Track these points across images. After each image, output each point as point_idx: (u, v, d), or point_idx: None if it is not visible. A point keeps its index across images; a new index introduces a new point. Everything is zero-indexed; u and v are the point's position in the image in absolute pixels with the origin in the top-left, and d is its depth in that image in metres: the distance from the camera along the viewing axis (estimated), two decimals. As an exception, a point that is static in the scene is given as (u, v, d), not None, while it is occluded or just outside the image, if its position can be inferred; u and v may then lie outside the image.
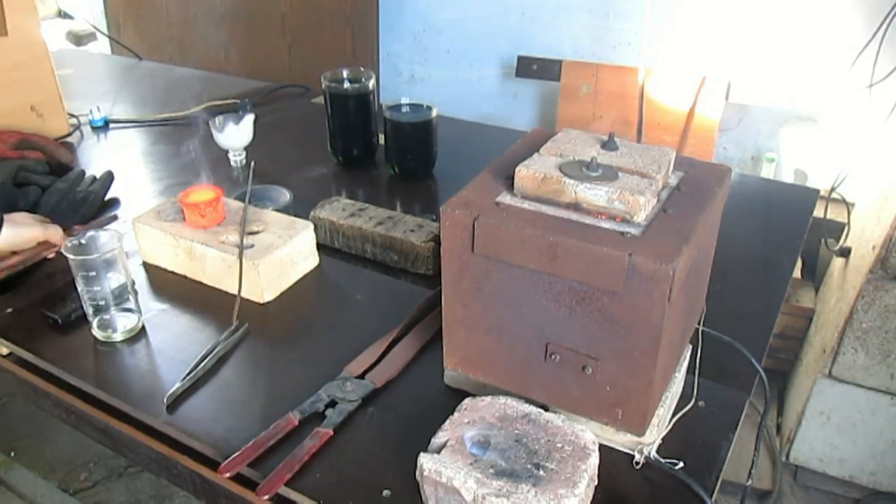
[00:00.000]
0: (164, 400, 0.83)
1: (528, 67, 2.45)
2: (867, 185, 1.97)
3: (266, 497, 0.71)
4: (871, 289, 1.59)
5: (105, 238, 0.94)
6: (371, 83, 1.42)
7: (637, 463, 0.75)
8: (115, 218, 1.25)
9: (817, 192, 1.39)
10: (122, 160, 1.51)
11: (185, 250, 1.05)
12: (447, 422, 0.72)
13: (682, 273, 0.64)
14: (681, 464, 0.74)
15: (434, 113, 1.38)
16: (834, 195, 1.95)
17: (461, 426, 0.71)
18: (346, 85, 1.41)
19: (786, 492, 1.89)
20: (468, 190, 0.73)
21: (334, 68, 1.44)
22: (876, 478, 1.80)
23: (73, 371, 0.90)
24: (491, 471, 0.66)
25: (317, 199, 1.19)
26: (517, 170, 0.72)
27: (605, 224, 0.67)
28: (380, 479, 0.73)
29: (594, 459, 0.69)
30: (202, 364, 0.88)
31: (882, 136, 1.93)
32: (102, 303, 0.93)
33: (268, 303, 1.02)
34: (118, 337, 0.94)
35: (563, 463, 0.67)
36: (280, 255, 1.03)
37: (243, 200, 1.09)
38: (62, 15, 2.59)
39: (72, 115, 1.66)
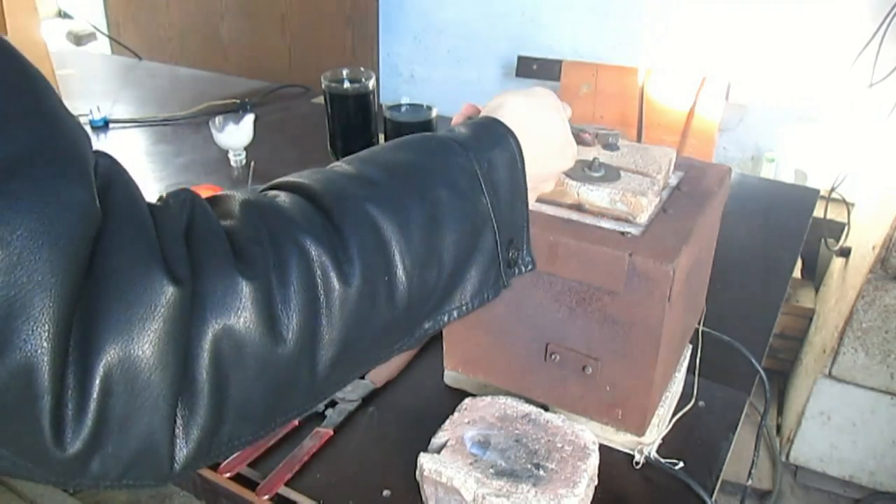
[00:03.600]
0: (164, 400, 0.83)
1: (528, 67, 2.45)
2: (867, 185, 1.97)
3: (266, 497, 0.71)
4: (871, 289, 1.59)
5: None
6: (371, 83, 1.41)
7: (637, 463, 0.75)
8: None
9: (817, 192, 1.39)
10: (123, 160, 1.50)
11: (185, 250, 1.05)
12: (447, 422, 0.72)
13: (682, 273, 0.64)
14: (681, 464, 0.74)
15: (434, 113, 1.38)
16: (834, 195, 1.95)
17: (461, 426, 0.71)
18: (346, 85, 1.41)
19: (786, 492, 1.89)
20: (468, 190, 0.73)
21: (334, 68, 1.43)
22: (876, 478, 1.80)
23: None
24: (491, 471, 0.66)
25: (317, 199, 1.19)
26: (517, 170, 0.72)
27: (606, 224, 0.67)
28: (380, 479, 0.73)
29: (594, 459, 0.69)
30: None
31: (882, 136, 1.93)
32: (102, 303, 0.93)
33: (268, 303, 1.02)
34: (118, 337, 0.94)
35: (563, 463, 0.67)
36: (280, 255, 1.02)
37: (243, 200, 1.09)
38: (62, 15, 2.59)
39: (72, 115, 1.66)
